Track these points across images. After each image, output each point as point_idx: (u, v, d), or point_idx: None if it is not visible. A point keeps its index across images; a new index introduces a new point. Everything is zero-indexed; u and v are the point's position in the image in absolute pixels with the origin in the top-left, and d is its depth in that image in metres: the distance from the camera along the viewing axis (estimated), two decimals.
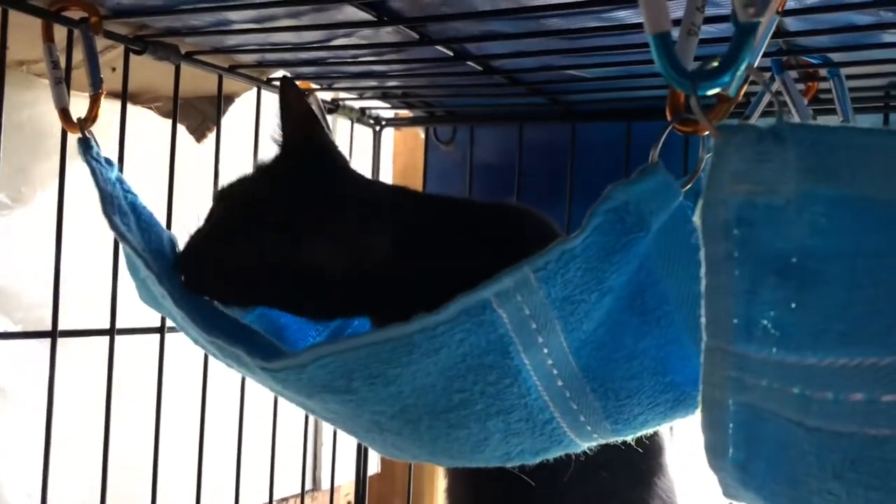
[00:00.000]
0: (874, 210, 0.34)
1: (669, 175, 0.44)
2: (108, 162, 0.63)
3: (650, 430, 0.51)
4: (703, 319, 0.37)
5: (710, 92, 0.37)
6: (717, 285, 0.36)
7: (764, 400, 0.36)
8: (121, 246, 0.61)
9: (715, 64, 0.37)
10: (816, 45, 0.66)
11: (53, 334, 0.68)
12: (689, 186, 0.46)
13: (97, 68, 0.64)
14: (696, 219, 0.36)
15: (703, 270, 0.37)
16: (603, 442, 0.51)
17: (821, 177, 0.34)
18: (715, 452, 0.39)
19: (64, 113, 0.64)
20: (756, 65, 0.42)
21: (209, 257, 0.61)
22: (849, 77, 0.70)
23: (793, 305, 0.35)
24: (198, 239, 0.63)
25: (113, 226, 0.59)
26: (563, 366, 0.46)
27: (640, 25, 0.61)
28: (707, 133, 0.41)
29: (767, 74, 0.68)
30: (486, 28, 0.67)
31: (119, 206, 0.60)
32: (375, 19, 0.63)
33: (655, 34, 0.36)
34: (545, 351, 0.45)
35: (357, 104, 1.01)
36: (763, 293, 0.35)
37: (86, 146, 0.62)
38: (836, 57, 0.68)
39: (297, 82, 0.91)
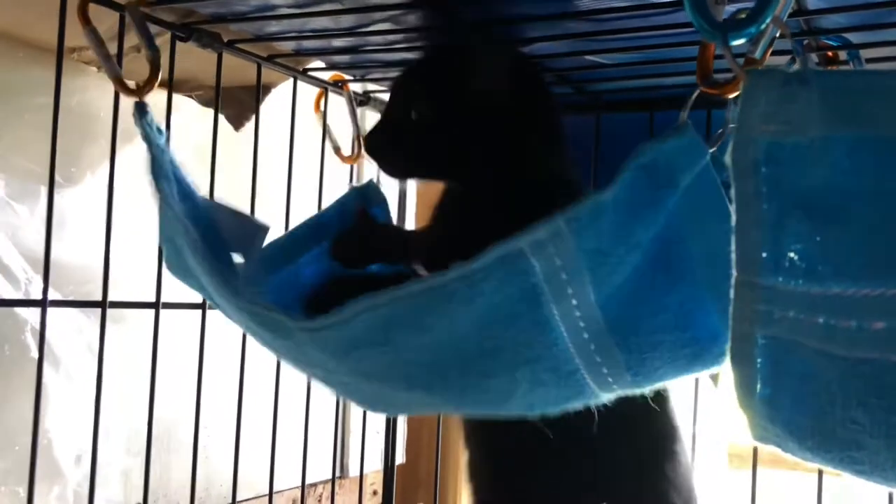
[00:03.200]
0: (894, 150, 0.36)
1: (697, 135, 0.46)
2: (159, 130, 0.67)
3: (666, 383, 0.53)
4: (733, 255, 0.40)
5: (738, 42, 0.40)
6: (746, 220, 0.39)
7: (791, 332, 0.39)
8: (160, 211, 0.64)
9: (743, 16, 0.39)
10: (835, 26, 0.68)
11: (104, 304, 0.71)
12: (714, 148, 0.49)
13: (150, 36, 0.68)
14: (728, 158, 0.39)
15: (733, 207, 0.39)
16: (621, 393, 0.53)
17: (843, 118, 0.36)
18: (744, 389, 0.41)
19: (119, 81, 0.68)
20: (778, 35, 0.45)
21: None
22: (868, 60, 0.72)
23: (818, 239, 0.37)
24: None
25: (159, 188, 0.62)
26: (589, 319, 0.47)
27: (667, 4, 0.64)
28: (733, 96, 0.44)
29: (788, 57, 0.71)
30: (516, 11, 0.69)
31: (164, 172, 0.63)
32: (412, 1, 0.66)
33: None
34: (573, 302, 0.46)
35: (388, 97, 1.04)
36: (789, 227, 0.38)
37: (142, 110, 0.66)
38: (855, 38, 0.70)
39: (330, 74, 0.95)
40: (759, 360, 0.41)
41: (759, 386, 0.41)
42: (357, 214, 0.80)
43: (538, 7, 0.68)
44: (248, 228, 0.71)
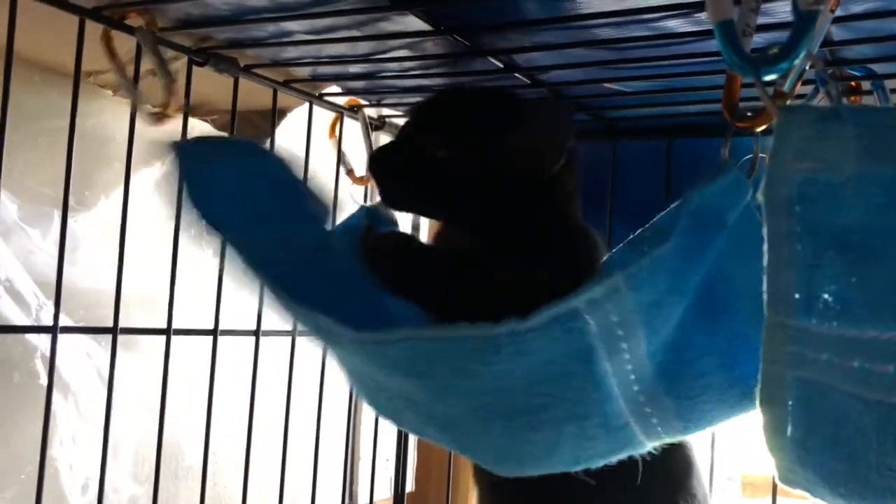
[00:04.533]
0: None
1: (739, 172, 0.45)
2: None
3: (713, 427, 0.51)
4: (765, 296, 0.38)
5: (769, 77, 0.39)
6: (778, 260, 0.38)
7: (824, 374, 0.37)
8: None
9: (775, 51, 0.38)
10: (859, 57, 0.68)
11: (114, 330, 0.70)
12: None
13: (164, 61, 0.68)
14: (760, 196, 0.38)
15: (765, 247, 0.38)
16: (667, 441, 0.51)
17: (879, 156, 0.35)
18: (773, 430, 0.40)
19: (148, 114, 0.69)
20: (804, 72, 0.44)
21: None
22: (893, 91, 0.71)
23: (853, 280, 0.36)
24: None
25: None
26: (640, 371, 0.46)
27: (688, 34, 0.64)
28: (760, 130, 0.43)
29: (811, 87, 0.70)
30: (537, 39, 0.69)
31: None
32: (432, 29, 0.65)
33: (719, 22, 0.38)
34: (626, 357, 0.45)
35: (403, 121, 1.04)
36: (823, 267, 0.36)
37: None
38: (879, 69, 0.69)
39: (346, 98, 0.95)
40: (790, 403, 0.40)
41: (789, 428, 0.40)
42: (363, 231, 0.79)
43: (560, 36, 0.67)
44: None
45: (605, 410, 0.47)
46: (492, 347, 0.44)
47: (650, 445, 0.51)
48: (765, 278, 0.38)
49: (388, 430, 1.14)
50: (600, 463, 0.51)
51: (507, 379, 0.46)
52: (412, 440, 1.20)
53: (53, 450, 0.79)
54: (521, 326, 0.43)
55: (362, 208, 0.81)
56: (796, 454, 0.40)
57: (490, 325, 0.44)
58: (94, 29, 0.68)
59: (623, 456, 0.51)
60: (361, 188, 0.99)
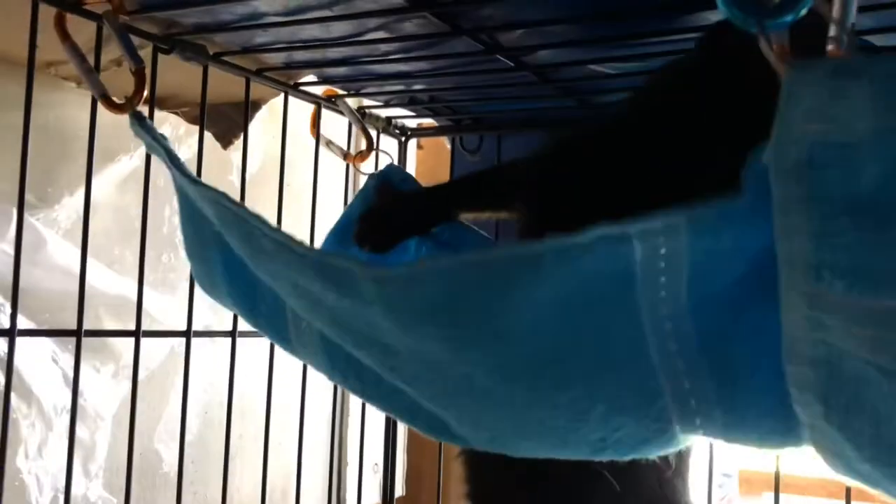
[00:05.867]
0: None
1: None
2: (163, 136, 0.63)
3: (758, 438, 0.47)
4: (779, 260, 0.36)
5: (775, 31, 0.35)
6: (789, 226, 0.35)
7: (841, 339, 0.35)
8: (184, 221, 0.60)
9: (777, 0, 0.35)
10: (860, 28, 0.65)
11: (79, 333, 0.66)
12: None
13: (132, 46, 0.65)
14: (765, 159, 0.34)
15: (774, 211, 0.35)
16: (702, 439, 0.47)
17: None
18: (799, 385, 0.38)
19: (106, 99, 0.65)
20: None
21: None
22: None
23: (868, 246, 0.33)
24: None
25: (183, 174, 0.58)
26: (678, 323, 0.42)
27: (677, 6, 0.60)
28: None
29: None
30: (519, 16, 0.66)
31: (183, 169, 0.60)
32: (408, 4, 0.62)
33: None
34: (662, 294, 0.41)
35: (383, 113, 1.00)
36: (837, 235, 0.34)
37: (139, 118, 0.63)
38: (878, 41, 0.66)
39: (324, 89, 0.92)
40: (810, 360, 0.37)
41: (813, 383, 0.37)
42: (378, 191, 0.75)
43: (545, 12, 0.64)
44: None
45: (636, 360, 0.43)
46: (532, 267, 0.41)
47: (683, 442, 0.46)
48: (777, 244, 0.35)
49: (376, 434, 1.10)
50: (624, 455, 0.47)
51: (538, 310, 0.43)
52: (400, 444, 1.16)
53: (18, 462, 0.75)
54: (566, 242, 0.40)
55: (372, 175, 0.77)
56: (821, 410, 0.37)
57: (533, 242, 0.40)
58: (50, 15, 0.64)
59: (651, 453, 0.47)
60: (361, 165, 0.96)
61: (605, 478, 0.54)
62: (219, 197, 0.55)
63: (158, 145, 0.62)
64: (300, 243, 0.49)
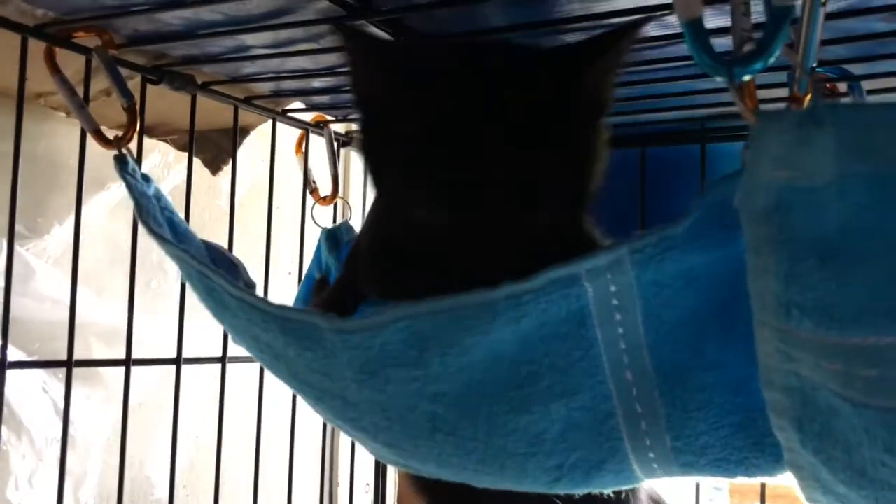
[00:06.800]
0: None
1: None
2: (146, 178, 0.63)
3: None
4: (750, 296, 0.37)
5: (746, 78, 0.36)
6: (758, 266, 0.36)
7: (812, 372, 0.36)
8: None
9: (750, 49, 0.36)
10: (834, 58, 0.66)
11: (69, 363, 0.67)
12: None
13: (122, 82, 0.65)
14: (736, 203, 0.36)
15: (746, 251, 0.36)
16: (654, 472, 0.48)
17: (860, 156, 0.33)
18: (776, 411, 0.39)
19: (98, 134, 0.65)
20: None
21: None
22: (869, 92, 0.69)
23: (834, 286, 0.34)
24: None
25: (150, 231, 0.58)
26: (635, 357, 0.44)
27: (658, 39, 0.61)
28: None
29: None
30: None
31: (155, 217, 0.60)
32: (393, 39, 0.63)
33: (688, 21, 0.36)
34: (619, 331, 0.43)
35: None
36: (804, 275, 0.35)
37: (122, 162, 0.63)
38: (856, 70, 0.68)
39: (311, 115, 0.92)
40: (784, 388, 0.38)
41: (789, 409, 0.38)
42: (316, 288, 0.76)
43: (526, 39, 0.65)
44: (235, 265, 0.67)
45: (593, 387, 0.45)
46: (489, 314, 0.42)
47: (636, 470, 0.48)
48: (749, 283, 0.37)
49: (367, 454, 1.10)
50: (581, 482, 0.48)
51: (499, 348, 0.44)
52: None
53: (8, 492, 0.75)
54: (519, 288, 0.42)
55: (323, 232, 0.78)
56: (797, 436, 0.39)
57: (487, 289, 0.42)
58: (41, 48, 0.65)
59: (607, 479, 0.48)
60: (327, 208, 0.96)
61: None
62: (181, 254, 0.55)
63: (136, 191, 0.62)
64: (262, 299, 0.51)
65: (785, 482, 0.45)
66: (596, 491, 0.50)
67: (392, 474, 1.21)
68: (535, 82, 0.51)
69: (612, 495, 0.52)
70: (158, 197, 0.63)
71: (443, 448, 0.49)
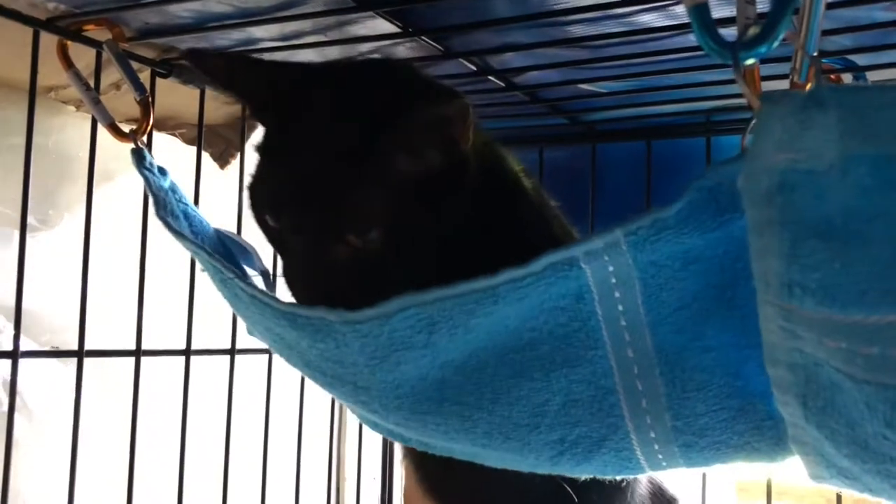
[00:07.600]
0: None
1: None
2: (162, 171, 0.64)
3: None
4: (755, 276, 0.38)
5: (750, 61, 0.37)
6: (761, 247, 0.37)
7: (815, 349, 0.37)
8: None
9: (754, 32, 0.37)
10: (839, 48, 0.66)
11: (80, 353, 0.67)
12: None
13: (135, 75, 0.65)
14: (740, 184, 0.36)
15: (749, 233, 0.36)
16: (655, 456, 0.49)
17: (863, 138, 0.33)
18: (780, 387, 0.40)
19: (113, 128, 0.65)
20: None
21: None
22: (875, 83, 0.70)
23: (836, 266, 0.35)
24: None
25: (167, 226, 0.59)
26: (636, 335, 0.45)
27: (663, 29, 0.62)
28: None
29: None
30: (509, 39, 0.67)
31: (172, 211, 0.60)
32: (401, 30, 0.63)
33: (693, 6, 0.36)
34: (620, 308, 0.45)
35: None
36: (806, 256, 0.35)
37: (139, 156, 0.63)
38: (859, 60, 0.68)
39: None
40: (788, 365, 0.39)
41: (793, 386, 0.39)
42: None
43: (533, 35, 0.66)
44: (249, 253, 0.67)
45: (593, 360, 0.46)
46: (491, 299, 0.44)
47: (638, 451, 0.49)
48: (753, 262, 0.37)
49: (375, 446, 1.11)
50: (584, 460, 0.49)
51: (502, 325, 0.46)
52: (399, 456, 1.17)
53: (19, 482, 0.76)
54: (519, 273, 0.44)
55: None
56: (801, 411, 0.39)
57: (489, 276, 0.44)
58: (52, 42, 0.66)
59: (609, 456, 0.49)
60: None
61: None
62: (196, 249, 0.57)
63: (153, 184, 0.62)
64: (272, 297, 0.53)
65: (790, 480, 0.45)
66: (598, 475, 0.51)
67: (399, 467, 1.21)
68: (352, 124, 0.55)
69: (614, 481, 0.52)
70: (174, 189, 0.63)
71: (450, 422, 0.50)
